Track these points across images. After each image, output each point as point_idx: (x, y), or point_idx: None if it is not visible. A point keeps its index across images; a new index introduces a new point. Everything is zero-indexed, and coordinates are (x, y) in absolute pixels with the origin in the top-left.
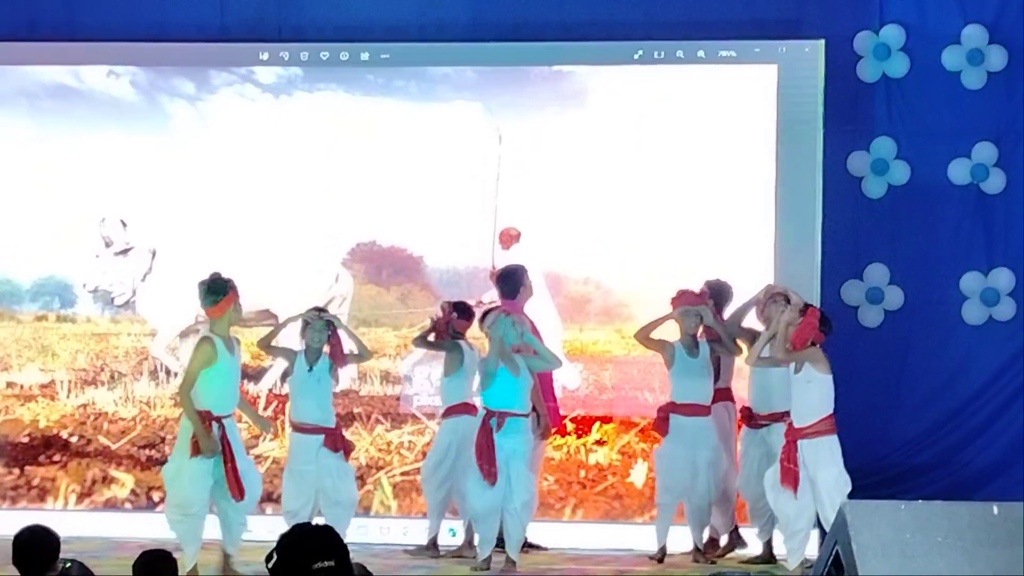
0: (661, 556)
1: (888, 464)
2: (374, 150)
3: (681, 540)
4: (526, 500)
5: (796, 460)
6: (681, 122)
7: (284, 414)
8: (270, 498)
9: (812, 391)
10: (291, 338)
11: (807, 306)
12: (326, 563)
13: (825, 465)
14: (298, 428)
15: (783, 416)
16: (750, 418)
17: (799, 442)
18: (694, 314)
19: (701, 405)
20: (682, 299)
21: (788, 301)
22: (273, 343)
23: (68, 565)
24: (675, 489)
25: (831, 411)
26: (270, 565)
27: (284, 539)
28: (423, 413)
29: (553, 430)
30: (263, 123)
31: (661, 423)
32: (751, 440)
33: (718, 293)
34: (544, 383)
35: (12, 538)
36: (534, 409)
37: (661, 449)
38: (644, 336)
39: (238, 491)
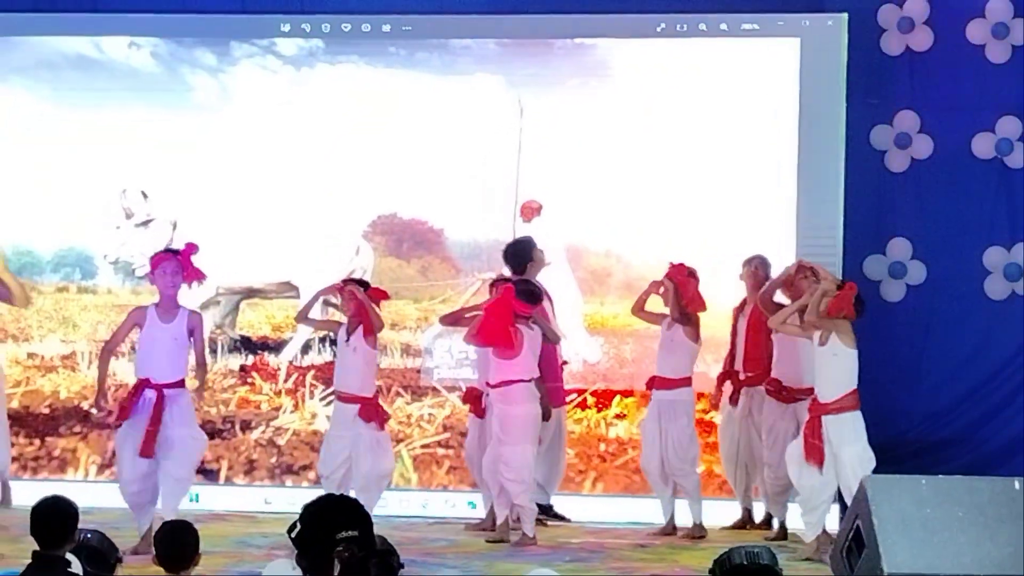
0: (670, 530)
1: (910, 439)
2: (395, 122)
3: (720, 514)
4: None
5: (821, 435)
6: (703, 95)
7: (304, 386)
8: (290, 470)
9: (837, 365)
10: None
11: (846, 282)
12: (349, 532)
13: (849, 441)
14: (338, 396)
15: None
16: (779, 392)
17: (823, 418)
18: (666, 288)
19: (671, 379)
20: (670, 273)
21: (817, 277)
22: (311, 315)
23: (88, 536)
24: (651, 462)
25: (855, 386)
26: (293, 534)
27: (308, 509)
28: (443, 386)
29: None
30: (284, 95)
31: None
32: (780, 415)
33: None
34: (547, 362)
35: (31, 508)
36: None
37: (641, 422)
38: (639, 309)
39: (146, 450)
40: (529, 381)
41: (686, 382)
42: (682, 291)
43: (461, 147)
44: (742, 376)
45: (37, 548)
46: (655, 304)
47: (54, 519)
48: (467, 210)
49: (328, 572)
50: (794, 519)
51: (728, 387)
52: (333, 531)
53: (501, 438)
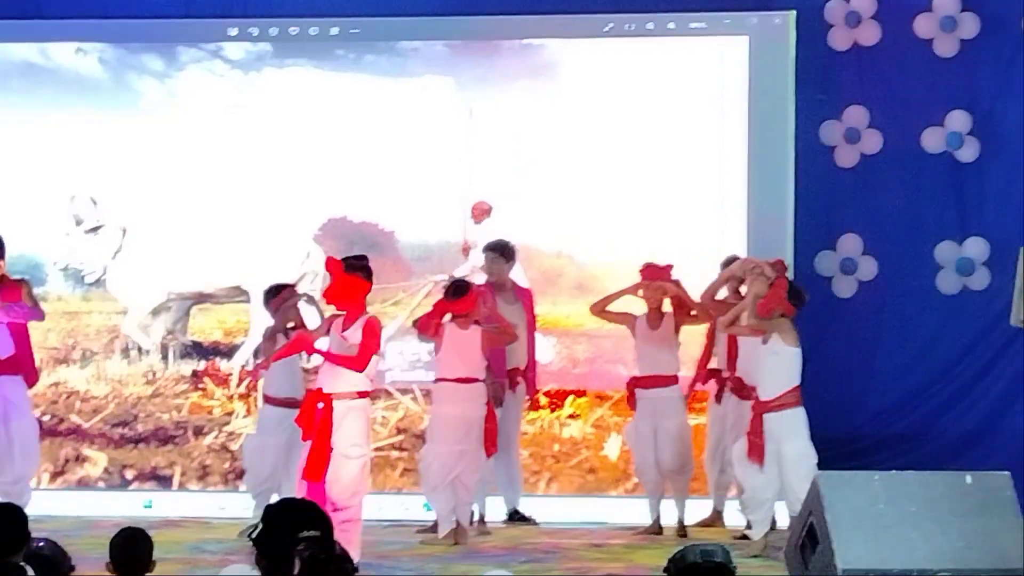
0: (656, 530)
1: (862, 435)
2: (345, 125)
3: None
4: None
5: (762, 433)
6: (652, 95)
7: (257, 391)
8: (243, 475)
9: (778, 363)
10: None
11: (777, 278)
12: (311, 532)
13: (791, 437)
14: (269, 400)
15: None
16: (741, 390)
17: (765, 415)
18: (656, 287)
19: (664, 376)
20: (646, 272)
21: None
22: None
23: (40, 544)
24: (647, 463)
25: (797, 383)
26: (254, 535)
27: (270, 510)
28: (396, 388)
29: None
30: (233, 99)
31: (630, 398)
32: (743, 413)
33: None
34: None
35: None
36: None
37: (629, 424)
38: (600, 309)
39: None
40: (455, 381)
41: (676, 379)
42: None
43: (411, 149)
44: (725, 374)
45: None
46: (622, 304)
47: (6, 527)
48: (418, 212)
49: (288, 572)
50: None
51: (712, 386)
52: (295, 531)
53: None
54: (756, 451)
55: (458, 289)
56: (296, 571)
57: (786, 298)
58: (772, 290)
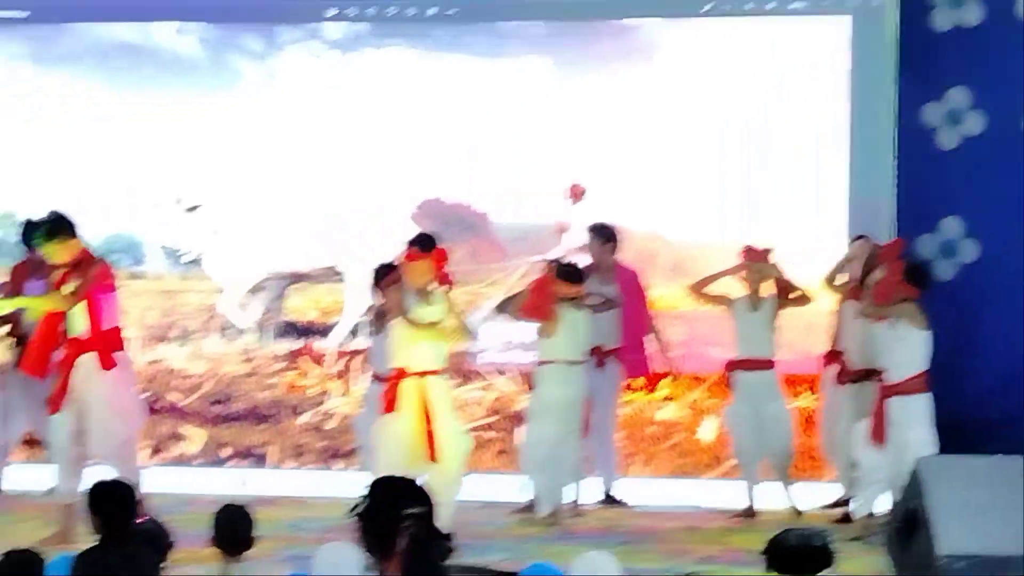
0: (750, 513)
1: (964, 419)
2: (441, 106)
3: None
4: None
5: (887, 416)
6: (750, 76)
7: (352, 370)
8: (338, 454)
9: (905, 348)
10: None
11: (892, 262)
12: (415, 509)
13: (915, 424)
14: (378, 379)
15: (878, 373)
16: (842, 373)
17: (890, 399)
18: (755, 270)
19: (762, 360)
20: (747, 255)
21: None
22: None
23: (142, 520)
24: (745, 446)
25: (924, 368)
26: (358, 510)
27: (374, 486)
28: (491, 369)
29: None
30: (330, 79)
31: (727, 381)
32: (842, 395)
33: None
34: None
35: (89, 490)
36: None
37: (728, 408)
38: (699, 290)
39: None
40: (565, 363)
41: (773, 364)
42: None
43: (507, 130)
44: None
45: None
46: (720, 286)
47: (117, 499)
48: (513, 193)
49: (391, 549)
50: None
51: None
52: (399, 508)
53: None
54: (878, 433)
55: (573, 272)
56: (399, 548)
57: (905, 282)
58: (887, 275)
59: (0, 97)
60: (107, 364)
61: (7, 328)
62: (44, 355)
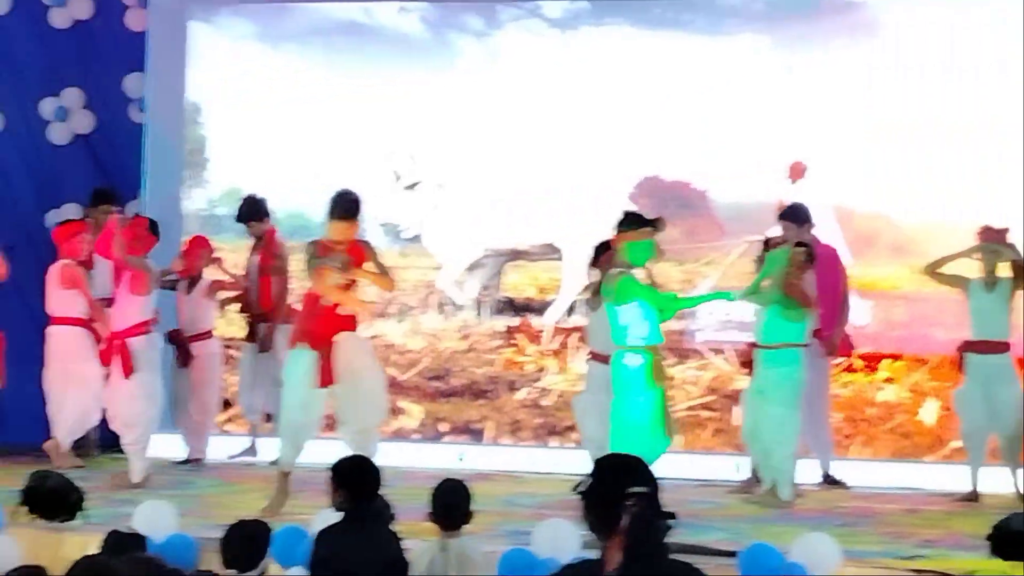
0: (973, 497)
1: None
2: (660, 84)
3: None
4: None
5: None
6: (980, 55)
7: (569, 347)
8: (554, 431)
9: None
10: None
11: None
12: (640, 488)
13: None
14: (596, 357)
15: None
16: None
17: None
18: (992, 250)
19: (997, 342)
20: (984, 235)
21: None
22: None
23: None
24: (975, 429)
25: None
26: (581, 489)
27: (600, 464)
28: (708, 348)
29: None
30: (550, 57)
31: (959, 362)
32: None
33: None
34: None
35: (334, 464)
36: None
37: (958, 390)
38: (934, 271)
39: None
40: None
41: (1008, 346)
42: None
43: (726, 107)
44: None
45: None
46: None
47: (364, 475)
48: (732, 171)
49: (614, 527)
50: None
51: None
52: (625, 485)
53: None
54: None
55: (811, 255)
56: (621, 526)
57: None
58: None
59: (226, 76)
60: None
61: (238, 305)
62: (324, 330)
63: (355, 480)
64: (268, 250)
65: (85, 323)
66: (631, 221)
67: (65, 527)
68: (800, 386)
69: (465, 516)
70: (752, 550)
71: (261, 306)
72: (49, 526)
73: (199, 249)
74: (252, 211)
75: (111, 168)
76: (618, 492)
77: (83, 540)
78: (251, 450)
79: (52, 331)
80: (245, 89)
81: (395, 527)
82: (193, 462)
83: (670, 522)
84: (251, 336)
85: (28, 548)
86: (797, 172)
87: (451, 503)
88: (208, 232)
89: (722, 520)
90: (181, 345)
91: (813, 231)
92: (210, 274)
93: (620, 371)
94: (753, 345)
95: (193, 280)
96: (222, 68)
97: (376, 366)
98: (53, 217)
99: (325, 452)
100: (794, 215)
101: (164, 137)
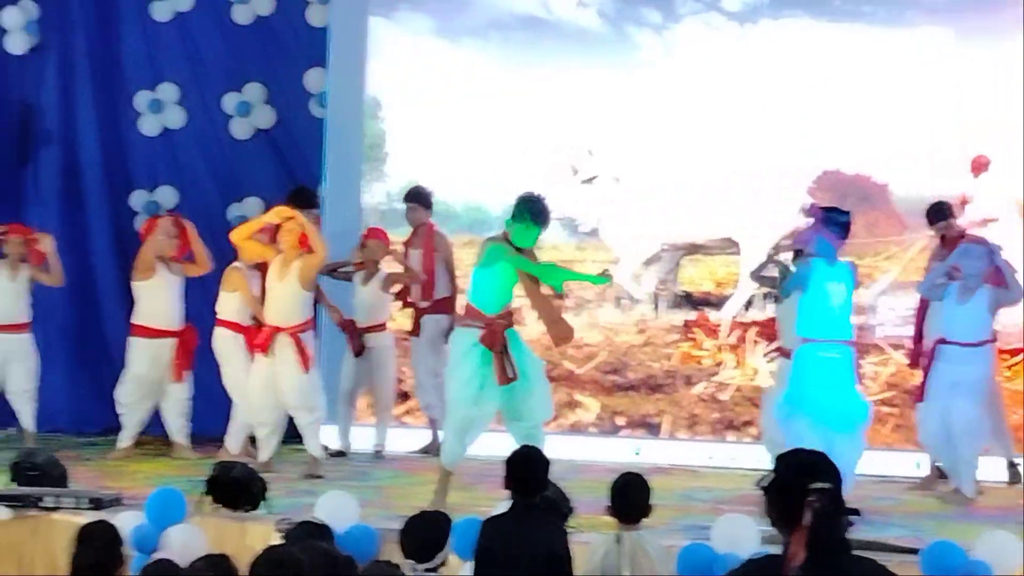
0: None
1: None
2: (840, 76)
3: None
4: None
5: None
6: None
7: (746, 342)
8: (732, 425)
9: None
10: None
11: None
12: (823, 484)
13: None
14: (781, 352)
15: None
16: None
17: None
18: None
19: None
20: None
21: None
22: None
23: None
24: None
25: None
26: (764, 484)
27: (782, 459)
28: (888, 344)
29: None
30: (728, 51)
31: None
32: None
33: None
34: None
35: (507, 459)
36: None
37: None
38: None
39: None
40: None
41: None
42: None
43: (907, 100)
44: None
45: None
46: None
47: (531, 467)
48: (913, 165)
49: (797, 522)
50: None
51: None
52: (807, 481)
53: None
54: None
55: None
56: (804, 522)
57: None
58: None
59: (405, 71)
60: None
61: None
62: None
63: (521, 471)
64: (428, 244)
65: (235, 326)
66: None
67: (248, 516)
68: (991, 383)
69: (644, 510)
70: (934, 547)
71: (424, 298)
72: (233, 515)
73: (376, 241)
74: (417, 195)
75: (292, 163)
76: (800, 488)
77: (265, 529)
78: (432, 444)
79: (215, 332)
80: (424, 84)
81: (573, 520)
82: (373, 453)
83: (852, 518)
84: (415, 329)
85: (213, 537)
86: (980, 166)
87: (630, 497)
88: (387, 226)
89: (902, 517)
90: (353, 335)
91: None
92: (387, 266)
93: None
94: (942, 341)
95: (370, 272)
96: (401, 63)
97: (540, 362)
98: (235, 210)
99: (502, 445)
100: (935, 213)
101: (344, 132)
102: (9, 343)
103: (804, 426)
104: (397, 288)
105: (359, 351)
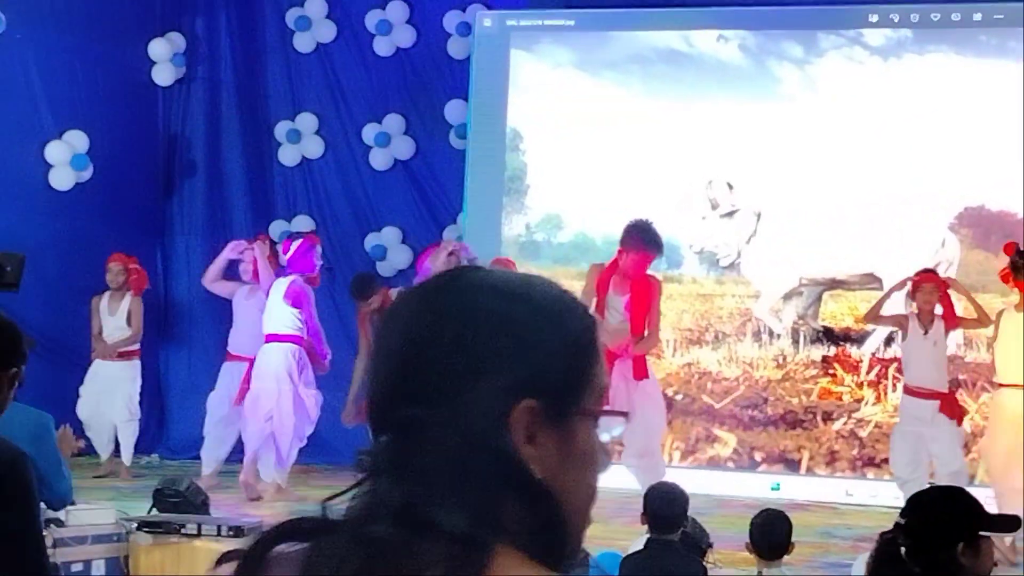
0: None
1: None
2: (986, 112)
3: None
4: None
5: None
6: None
7: (887, 378)
8: (871, 462)
9: None
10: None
11: None
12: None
13: None
14: (912, 392)
15: None
16: None
17: None
18: None
19: None
20: None
21: None
22: (881, 312)
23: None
24: None
25: None
26: (903, 521)
27: (916, 499)
28: None
29: None
30: (871, 86)
31: None
32: None
33: None
34: None
35: (645, 493)
36: None
37: None
38: None
39: None
40: None
41: None
42: None
43: None
44: None
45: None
46: None
47: (670, 505)
48: None
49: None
50: None
51: None
52: (951, 528)
53: None
54: None
55: None
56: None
57: None
58: None
59: (546, 103)
60: (640, 374)
61: None
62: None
63: (657, 507)
64: None
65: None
66: None
67: None
68: None
69: (784, 547)
70: None
71: None
72: None
73: None
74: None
75: (430, 193)
76: (945, 534)
77: None
78: None
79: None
80: (565, 116)
81: (712, 556)
82: None
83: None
84: None
85: None
86: None
87: (771, 533)
88: (526, 258)
89: None
90: None
91: None
92: None
93: None
94: None
95: None
96: (542, 95)
97: (651, 391)
98: (372, 240)
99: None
100: None
101: (485, 163)
102: (112, 369)
103: None
104: None
105: None
